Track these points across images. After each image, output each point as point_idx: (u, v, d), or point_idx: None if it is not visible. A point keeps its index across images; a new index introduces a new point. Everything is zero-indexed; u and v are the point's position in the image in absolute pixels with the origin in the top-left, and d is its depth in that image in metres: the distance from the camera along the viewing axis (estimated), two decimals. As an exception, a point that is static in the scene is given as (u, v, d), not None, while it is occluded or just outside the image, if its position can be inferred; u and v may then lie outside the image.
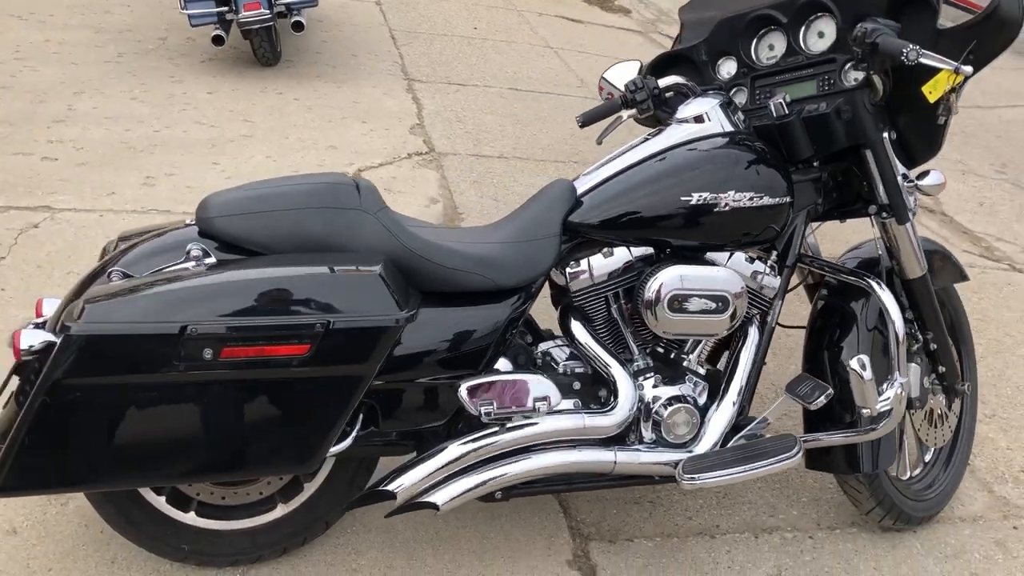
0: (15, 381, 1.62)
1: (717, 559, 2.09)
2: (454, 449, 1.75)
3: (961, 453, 2.36)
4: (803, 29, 1.98)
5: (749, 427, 1.95)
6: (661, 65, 2.21)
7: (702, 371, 1.98)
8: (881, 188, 1.97)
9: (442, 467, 1.74)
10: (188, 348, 1.46)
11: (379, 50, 5.70)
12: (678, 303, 1.84)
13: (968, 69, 1.63)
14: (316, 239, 1.67)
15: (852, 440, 1.96)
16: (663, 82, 2.05)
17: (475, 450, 1.76)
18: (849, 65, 1.90)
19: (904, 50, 1.62)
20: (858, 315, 2.08)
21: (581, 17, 7.59)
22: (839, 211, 2.11)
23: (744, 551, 2.12)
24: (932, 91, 1.71)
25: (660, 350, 2.00)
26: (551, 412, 1.79)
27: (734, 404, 1.93)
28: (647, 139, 1.98)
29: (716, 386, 1.96)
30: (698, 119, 1.95)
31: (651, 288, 1.84)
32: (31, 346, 1.55)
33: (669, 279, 1.84)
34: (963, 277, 2.30)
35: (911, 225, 2.01)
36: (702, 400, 1.95)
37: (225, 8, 4.58)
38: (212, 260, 1.64)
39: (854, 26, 1.87)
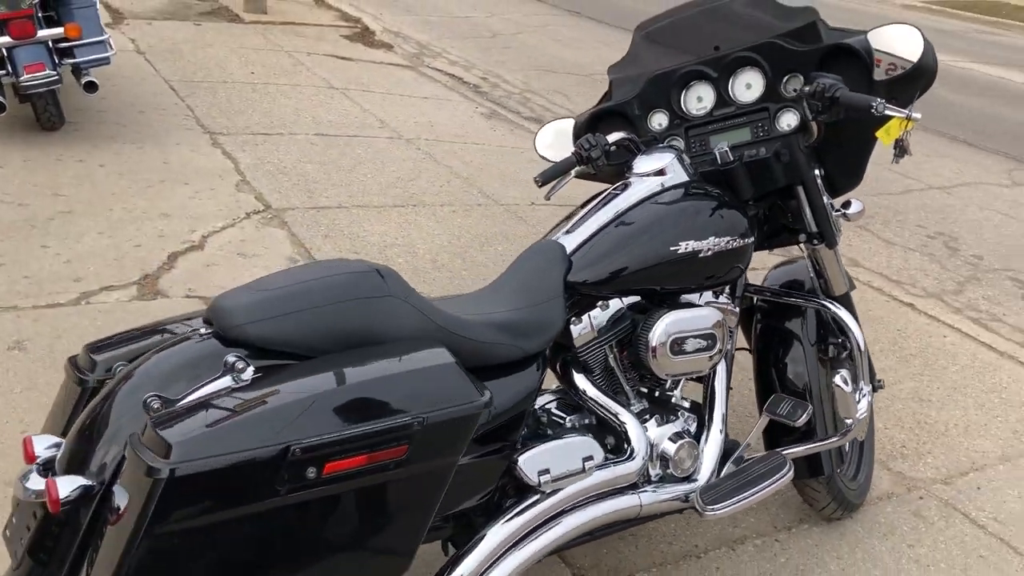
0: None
1: (707, 577, 2.23)
2: (503, 528, 1.74)
3: (869, 439, 2.66)
4: (731, 82, 2.17)
5: (736, 452, 2.10)
6: (592, 121, 2.32)
7: (687, 404, 2.10)
8: (811, 218, 2.20)
9: (495, 548, 1.73)
10: (292, 469, 1.37)
11: (164, 103, 5.38)
12: (677, 345, 1.96)
13: (918, 116, 1.89)
14: (355, 333, 1.61)
15: (827, 447, 2.17)
16: (611, 138, 2.16)
17: (525, 523, 1.76)
18: (781, 112, 2.11)
19: (873, 104, 1.84)
20: (799, 333, 2.30)
21: (349, 55, 7.57)
22: (768, 242, 2.33)
23: (729, 564, 2.28)
24: (886, 135, 1.95)
25: (645, 391, 2.10)
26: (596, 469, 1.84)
27: (721, 432, 2.08)
28: (614, 194, 2.07)
29: (700, 417, 2.10)
30: (659, 172, 2.07)
31: (655, 335, 1.93)
32: (69, 496, 1.40)
33: (669, 325, 1.94)
34: (852, 286, 2.60)
35: (837, 249, 2.26)
36: (693, 431, 2.07)
37: (2, 72, 4.16)
38: (251, 370, 1.54)
39: (782, 78, 2.09)
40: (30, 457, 1.57)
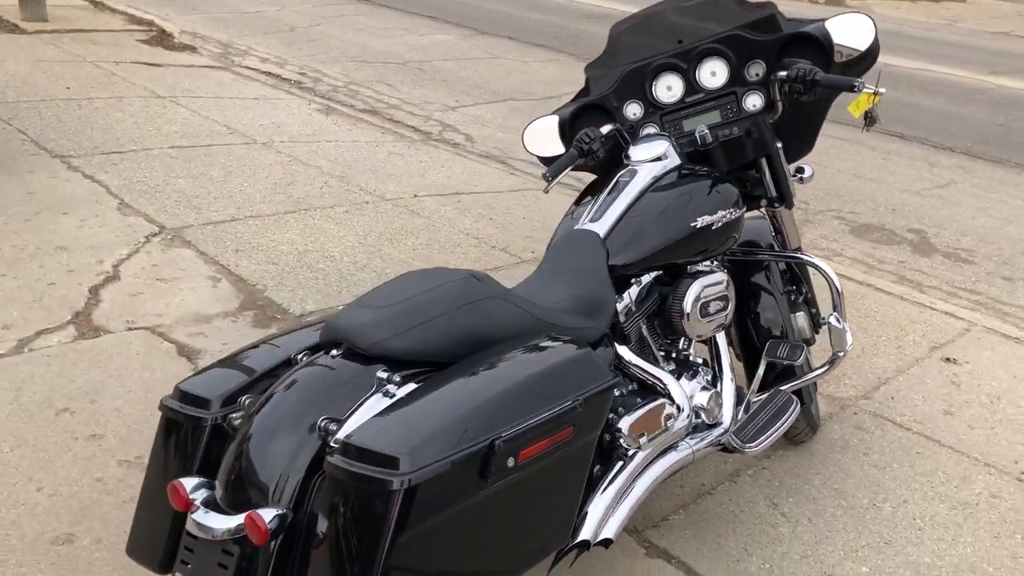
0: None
1: (732, 508, 2.52)
2: (618, 483, 1.93)
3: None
4: (698, 71, 2.43)
5: (746, 397, 2.40)
6: (575, 115, 2.51)
7: (700, 361, 2.37)
8: (771, 184, 2.52)
9: (611, 503, 1.92)
10: (496, 461, 1.49)
11: (-10, 129, 4.99)
12: (704, 309, 2.22)
13: (883, 90, 2.23)
14: (474, 335, 1.74)
15: (818, 378, 2.51)
16: (603, 130, 2.37)
17: (623, 483, 1.96)
18: (747, 94, 2.40)
19: (854, 83, 2.16)
20: (767, 285, 2.63)
21: (156, 60, 7.25)
22: None
23: (737, 494, 2.58)
24: (856, 108, 2.28)
25: (663, 353, 2.35)
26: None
27: (731, 380, 2.36)
28: (625, 181, 2.28)
29: (711, 370, 2.37)
30: (660, 157, 2.31)
31: (688, 302, 2.18)
32: (272, 526, 1.47)
33: (697, 292, 2.19)
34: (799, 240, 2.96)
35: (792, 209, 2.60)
36: (711, 383, 2.35)
37: None
38: (398, 379, 1.64)
39: (745, 65, 2.38)
40: (184, 501, 1.58)
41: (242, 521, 1.50)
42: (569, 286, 2.08)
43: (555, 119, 2.51)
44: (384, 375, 1.63)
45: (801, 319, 2.72)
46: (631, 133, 2.43)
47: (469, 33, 9.71)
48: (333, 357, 1.69)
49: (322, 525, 1.49)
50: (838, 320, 2.43)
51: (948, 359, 3.48)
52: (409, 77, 7.58)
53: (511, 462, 1.53)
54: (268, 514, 1.48)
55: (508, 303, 1.82)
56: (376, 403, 1.62)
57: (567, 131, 2.47)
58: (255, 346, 1.87)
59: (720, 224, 2.25)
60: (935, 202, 5.49)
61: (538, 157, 2.54)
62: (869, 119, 2.29)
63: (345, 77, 7.44)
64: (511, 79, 7.77)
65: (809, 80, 2.23)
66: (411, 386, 1.64)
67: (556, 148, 2.50)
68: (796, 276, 2.70)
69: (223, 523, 1.52)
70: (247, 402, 1.69)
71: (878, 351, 3.53)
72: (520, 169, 5.44)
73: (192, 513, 1.56)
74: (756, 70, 2.39)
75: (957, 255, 4.76)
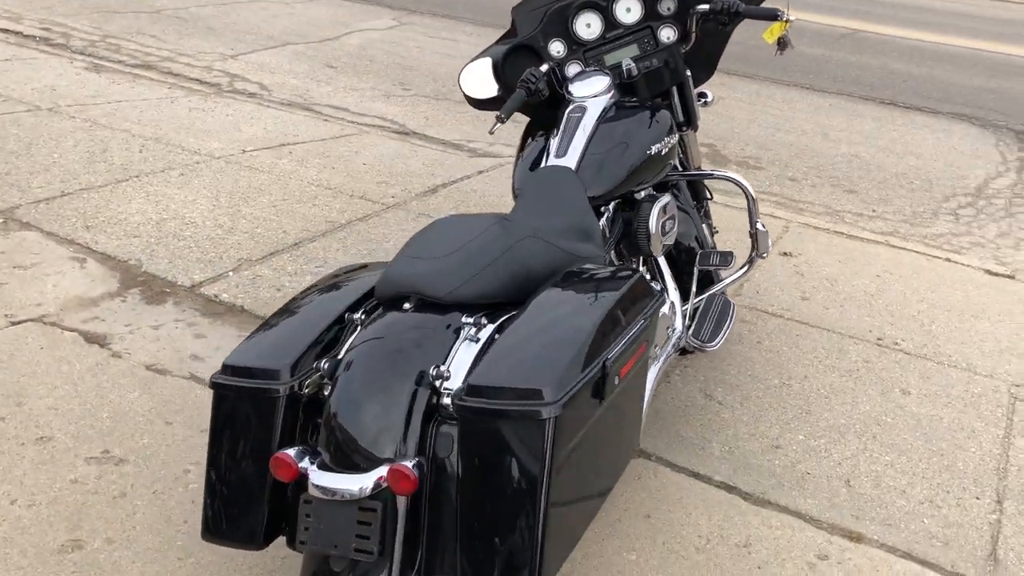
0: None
1: (677, 405, 2.79)
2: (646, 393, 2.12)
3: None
4: (615, 7, 2.59)
5: (688, 303, 2.66)
6: (506, 56, 2.59)
7: (648, 277, 2.59)
8: (680, 109, 2.76)
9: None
10: (608, 381, 1.62)
11: None
12: (664, 228, 2.43)
13: (793, 17, 2.50)
14: (523, 273, 1.84)
15: (745, 277, 2.80)
16: (543, 69, 2.48)
17: (650, 386, 2.17)
18: (661, 28, 2.60)
19: (778, 12, 2.41)
20: (682, 203, 2.88)
21: None
22: None
23: (677, 390, 2.86)
24: (770, 35, 2.54)
25: None
26: None
27: (676, 290, 2.61)
28: (577, 116, 2.42)
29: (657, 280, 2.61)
30: (605, 91, 2.46)
31: (652, 224, 2.37)
32: (417, 474, 1.52)
33: (658, 214, 2.39)
34: None
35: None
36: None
37: None
38: (484, 322, 1.71)
39: (658, 0, 2.58)
40: (293, 471, 1.58)
41: (378, 477, 1.53)
42: (562, 218, 2.21)
43: (488, 61, 2.58)
44: (470, 320, 1.70)
45: (705, 229, 3.01)
46: (558, 70, 2.56)
47: (211, -24, 9.17)
48: (405, 310, 1.72)
49: (459, 468, 1.54)
50: (763, 225, 2.74)
51: (785, 253, 3.97)
52: (171, 27, 7.09)
53: (616, 380, 1.67)
54: (409, 464, 1.52)
55: (539, 240, 1.93)
56: (469, 347, 1.69)
57: (500, 72, 2.56)
58: (290, 311, 1.84)
59: (666, 149, 2.46)
60: (714, 117, 6.06)
61: (473, 99, 2.60)
62: (782, 44, 2.57)
63: (97, 30, 6.84)
64: (280, 22, 7.49)
65: (732, 11, 2.47)
66: (490, 328, 1.72)
67: (490, 90, 2.58)
68: (697, 192, 2.98)
69: (358, 482, 1.53)
70: (326, 365, 1.68)
71: (726, 253, 3.94)
72: (331, 115, 5.37)
73: (315, 479, 1.56)
74: (668, 4, 2.59)
75: (747, 163, 5.33)
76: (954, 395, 2.97)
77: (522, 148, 2.49)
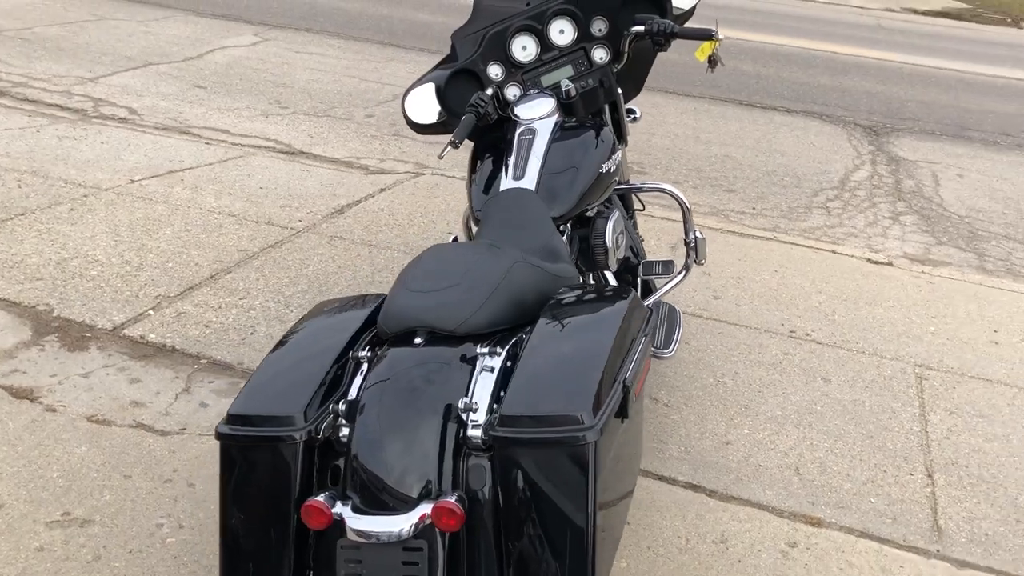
0: None
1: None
2: None
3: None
4: (549, 30, 2.66)
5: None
6: (448, 81, 2.60)
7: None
8: (611, 125, 2.85)
9: None
10: (629, 400, 1.67)
11: None
12: (616, 244, 2.51)
13: (723, 36, 2.62)
14: (520, 298, 1.87)
15: (681, 282, 2.91)
16: (488, 93, 2.52)
17: None
18: (594, 48, 2.68)
19: (712, 31, 2.52)
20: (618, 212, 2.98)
21: None
22: None
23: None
24: (701, 53, 2.65)
25: None
26: None
27: (625, 298, 2.70)
28: (528, 139, 2.46)
29: None
30: (551, 113, 2.52)
31: (609, 239, 2.45)
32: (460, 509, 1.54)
33: (613, 230, 2.47)
34: None
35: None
36: None
37: None
38: (499, 351, 1.74)
39: (590, 22, 2.66)
40: (326, 517, 1.56)
41: (421, 515, 1.53)
42: (534, 241, 2.25)
43: (431, 86, 2.59)
44: (484, 349, 1.72)
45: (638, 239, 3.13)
46: (499, 93, 2.61)
47: (47, -8, 8.66)
48: (417, 345, 1.72)
49: (501, 500, 1.56)
50: (700, 233, 2.86)
51: (690, 254, 4.14)
52: (15, 49, 6.66)
53: (634, 398, 1.73)
54: (453, 499, 1.53)
55: (528, 264, 1.97)
56: (486, 378, 1.71)
57: (443, 96, 2.58)
58: (286, 352, 1.81)
59: (614, 167, 2.55)
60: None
61: (417, 125, 2.61)
62: (712, 62, 2.70)
63: (-67, 55, 6.35)
64: (137, 42, 7.17)
65: (668, 33, 2.58)
66: (502, 355, 1.75)
67: (434, 115, 2.59)
68: (628, 204, 3.08)
69: (401, 523, 1.53)
70: (342, 407, 1.67)
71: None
72: (212, 138, 5.20)
73: (352, 523, 1.54)
74: (600, 26, 2.68)
75: (632, 168, 5.52)
76: (869, 379, 3.20)
77: (473, 171, 2.52)
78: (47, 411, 2.57)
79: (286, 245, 3.77)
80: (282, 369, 1.75)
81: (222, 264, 3.56)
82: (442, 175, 4.84)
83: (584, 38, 2.67)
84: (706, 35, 2.57)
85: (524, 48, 2.64)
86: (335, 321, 1.90)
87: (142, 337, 3.01)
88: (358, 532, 1.54)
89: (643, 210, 3.11)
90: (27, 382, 2.70)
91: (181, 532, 2.18)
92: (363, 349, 1.79)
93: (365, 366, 1.75)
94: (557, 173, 2.40)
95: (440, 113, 2.58)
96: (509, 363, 1.73)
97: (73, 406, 2.61)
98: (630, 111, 2.92)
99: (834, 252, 4.39)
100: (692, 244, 2.87)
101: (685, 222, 2.91)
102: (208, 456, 2.45)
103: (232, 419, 1.65)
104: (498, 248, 1.94)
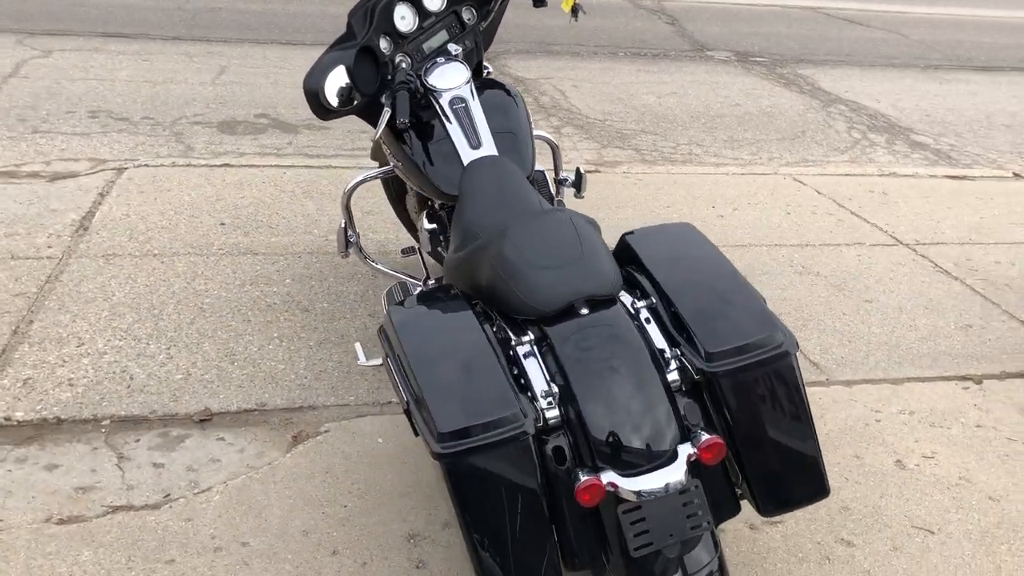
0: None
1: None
2: None
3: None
4: None
5: None
6: (356, 60, 2.48)
7: None
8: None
9: None
10: None
11: None
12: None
13: (581, -11, 2.81)
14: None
15: None
16: (406, 67, 2.49)
17: None
18: (462, 10, 2.73)
19: (571, -6, 2.71)
20: None
21: None
22: None
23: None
24: (567, 4, 2.79)
25: None
26: None
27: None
28: (461, 106, 2.49)
29: None
30: (467, 80, 2.56)
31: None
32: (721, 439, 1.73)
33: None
34: None
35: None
36: None
37: None
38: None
39: None
40: (601, 490, 1.66)
41: (686, 457, 1.68)
42: (536, 200, 2.33)
43: (343, 68, 2.47)
44: (641, 303, 1.89)
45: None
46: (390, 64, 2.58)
47: None
48: (585, 314, 1.82)
49: (732, 420, 1.78)
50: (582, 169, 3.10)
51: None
52: None
53: None
54: (709, 436, 1.71)
55: (581, 219, 2.08)
56: (653, 325, 1.88)
57: (352, 77, 2.48)
58: (429, 368, 1.76)
59: (531, 124, 2.69)
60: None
61: (330, 110, 2.48)
62: (575, 11, 2.90)
63: None
64: None
65: (526, -7, 2.74)
66: (645, 304, 1.91)
67: (349, 98, 2.50)
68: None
69: (675, 472, 1.68)
70: (556, 390, 1.74)
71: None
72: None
73: (629, 486, 1.65)
74: None
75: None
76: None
77: (410, 152, 2.50)
78: (-5, 532, 2.08)
79: (64, 276, 3.24)
80: (450, 380, 1.72)
81: (12, 315, 2.97)
82: (150, 166, 4.37)
83: (453, 1, 2.72)
84: (566, -7, 2.78)
85: (403, 18, 2.64)
86: (444, 321, 1.87)
87: (8, 419, 2.48)
88: (640, 493, 1.65)
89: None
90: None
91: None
92: (521, 335, 1.82)
93: (535, 349, 1.80)
94: (507, 136, 2.49)
95: (356, 94, 2.48)
96: (659, 310, 1.90)
97: (14, 517, 2.13)
98: (485, 67, 3.04)
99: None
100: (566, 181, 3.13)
101: (555, 162, 3.13)
102: (234, 507, 2.20)
103: (447, 436, 1.63)
104: (558, 210, 2.03)
